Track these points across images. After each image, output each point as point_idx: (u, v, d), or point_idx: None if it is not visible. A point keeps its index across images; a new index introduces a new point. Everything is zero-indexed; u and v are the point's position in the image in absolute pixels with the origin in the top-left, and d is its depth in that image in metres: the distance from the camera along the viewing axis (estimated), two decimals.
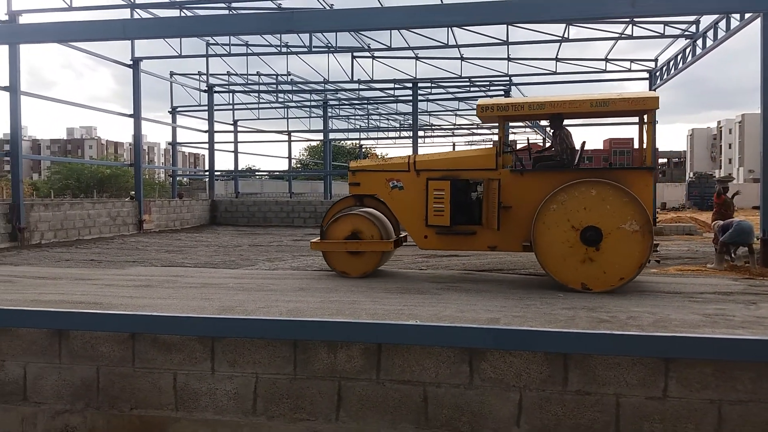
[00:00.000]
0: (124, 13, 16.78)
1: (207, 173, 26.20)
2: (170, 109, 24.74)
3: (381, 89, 27.00)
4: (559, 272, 7.69)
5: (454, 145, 47.13)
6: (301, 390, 4.05)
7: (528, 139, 9.38)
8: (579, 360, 3.67)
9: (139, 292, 7.41)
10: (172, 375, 4.21)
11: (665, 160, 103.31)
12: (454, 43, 19.08)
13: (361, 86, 25.39)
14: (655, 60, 20.00)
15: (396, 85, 25.30)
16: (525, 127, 34.95)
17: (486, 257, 11.25)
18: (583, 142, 9.03)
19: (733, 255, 10.70)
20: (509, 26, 17.56)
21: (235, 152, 28.20)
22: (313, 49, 20.14)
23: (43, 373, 4.38)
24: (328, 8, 15.93)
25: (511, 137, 33.72)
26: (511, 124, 28.21)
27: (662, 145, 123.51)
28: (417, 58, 20.95)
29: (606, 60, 20.20)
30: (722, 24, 14.49)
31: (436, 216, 8.54)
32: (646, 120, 8.36)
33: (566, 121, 8.91)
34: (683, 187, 51.46)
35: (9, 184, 23.96)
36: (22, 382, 4.41)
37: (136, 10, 16.76)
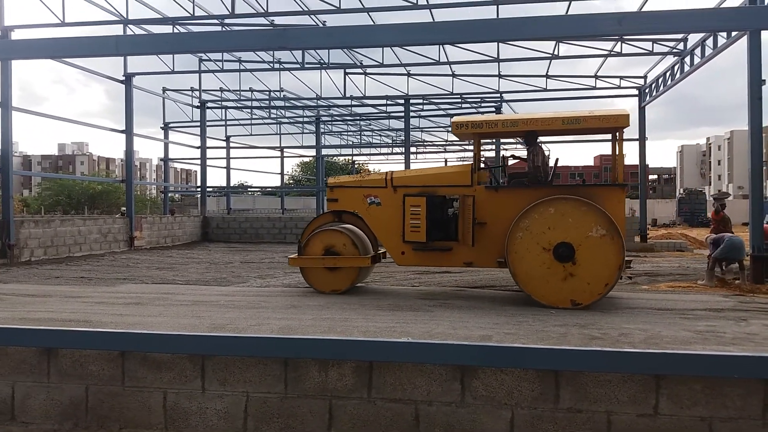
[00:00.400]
0: (117, 29, 16.83)
1: (199, 189, 26.17)
2: (162, 125, 24.75)
3: (373, 105, 27.14)
4: (545, 296, 7.72)
5: (446, 161, 47.18)
6: (292, 409, 4.02)
7: (504, 156, 9.50)
8: (570, 377, 3.67)
9: (129, 310, 7.36)
10: (162, 394, 4.17)
11: (655, 176, 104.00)
12: (446, 60, 19.23)
13: (354, 102, 25.51)
14: (644, 77, 20.24)
15: (388, 102, 25.43)
16: (517, 143, 35.14)
17: (478, 273, 11.26)
18: (557, 159, 9.22)
19: (723, 268, 10.78)
20: (500, 44, 17.73)
21: (228, 168, 28.20)
22: (306, 66, 20.26)
23: (31, 392, 4.33)
24: (321, 25, 16.04)
25: (504, 152, 33.87)
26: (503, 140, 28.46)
27: (652, 161, 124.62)
28: (409, 74, 21.10)
29: (596, 77, 20.42)
30: (710, 42, 14.71)
31: (412, 232, 8.61)
32: (617, 137, 8.52)
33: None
34: (674, 204, 51.81)
35: None
36: (10, 402, 4.35)
37: (129, 25, 16.82)
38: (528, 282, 7.81)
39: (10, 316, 6.77)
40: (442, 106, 27.01)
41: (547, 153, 9.13)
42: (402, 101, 23.54)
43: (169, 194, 30.34)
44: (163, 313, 7.12)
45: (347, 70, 20.86)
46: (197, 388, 4.13)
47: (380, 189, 9.02)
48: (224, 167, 28.22)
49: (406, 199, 8.67)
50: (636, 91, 20.69)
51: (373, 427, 3.93)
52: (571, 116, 8.35)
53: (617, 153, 8.51)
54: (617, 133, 8.47)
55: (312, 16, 15.93)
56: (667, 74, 18.06)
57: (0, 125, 14.03)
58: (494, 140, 23.66)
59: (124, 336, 4.24)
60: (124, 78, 19.23)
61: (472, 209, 8.35)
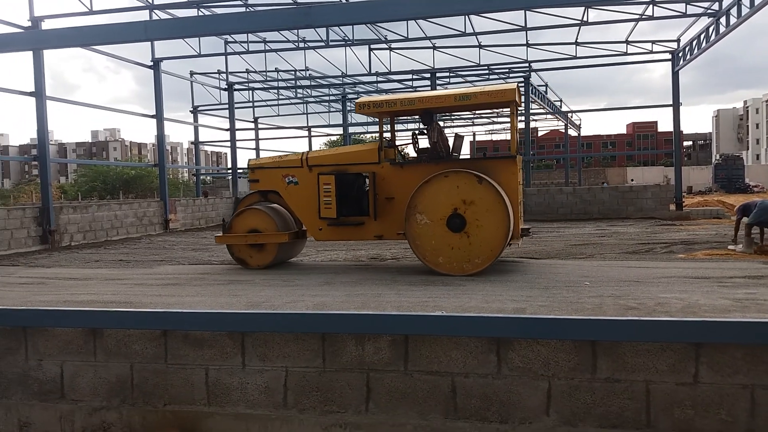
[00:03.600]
0: (143, 15, 16.99)
1: (230, 171, 26.44)
2: (191, 109, 25.00)
3: (399, 80, 26.95)
4: (440, 264, 8.11)
5: (474, 134, 46.91)
6: (331, 382, 4.10)
7: (414, 133, 9.72)
8: (607, 347, 3.66)
9: (167, 291, 7.53)
10: (203, 370, 4.29)
11: (690, 142, 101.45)
12: (472, 31, 18.94)
13: (379, 78, 25.36)
14: (678, 40, 19.63)
15: (414, 76, 25.22)
16: (548, 113, 34.63)
17: (510, 246, 11.18)
18: (457, 135, 9.59)
19: (763, 234, 10.55)
20: (527, 11, 17.37)
21: (257, 149, 28.41)
22: (331, 43, 20.17)
23: (79, 371, 4.49)
24: (344, 1, 15.92)
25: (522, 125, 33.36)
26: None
27: (687, 127, 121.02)
28: (434, 47, 20.86)
29: (627, 42, 19.89)
30: (746, 0, 14.17)
31: (326, 209, 9.03)
32: (511, 111, 8.75)
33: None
34: (709, 170, 50.55)
35: (38, 188, 24.41)
36: (60, 381, 4.53)
37: (155, 11, 16.94)
38: (424, 251, 8.22)
39: (55, 299, 7.00)
40: (470, 79, 26.68)
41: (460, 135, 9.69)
42: (428, 75, 23.30)
43: (201, 177, 30.74)
44: (201, 292, 7.28)
45: (372, 46, 20.70)
46: (238, 364, 4.23)
47: (297, 169, 9.43)
48: (253, 148, 28.46)
49: (320, 177, 9.06)
50: (669, 56, 20.11)
51: (410, 400, 3.99)
52: (462, 93, 8.85)
53: (513, 125, 8.77)
54: (511, 107, 8.71)
55: None
56: (702, 36, 17.49)
57: (36, 115, 14.35)
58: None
59: (166, 315, 4.36)
60: (152, 63, 19.42)
61: (376, 185, 8.83)
